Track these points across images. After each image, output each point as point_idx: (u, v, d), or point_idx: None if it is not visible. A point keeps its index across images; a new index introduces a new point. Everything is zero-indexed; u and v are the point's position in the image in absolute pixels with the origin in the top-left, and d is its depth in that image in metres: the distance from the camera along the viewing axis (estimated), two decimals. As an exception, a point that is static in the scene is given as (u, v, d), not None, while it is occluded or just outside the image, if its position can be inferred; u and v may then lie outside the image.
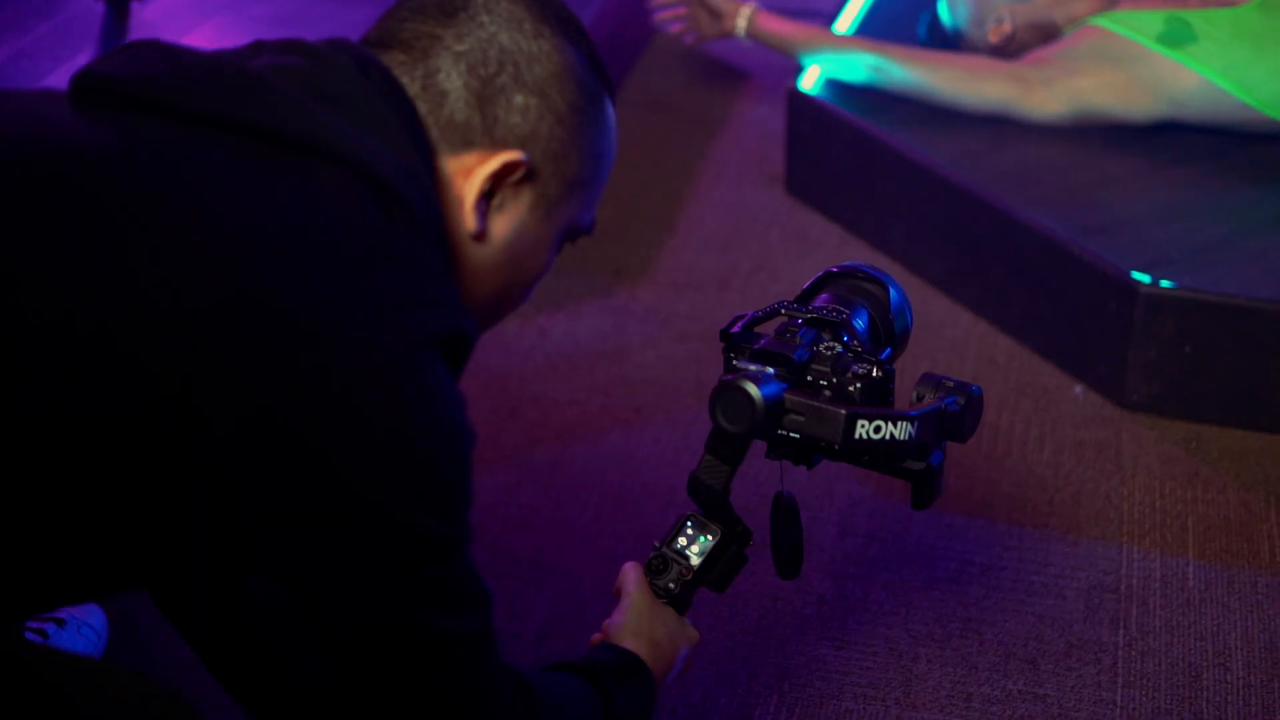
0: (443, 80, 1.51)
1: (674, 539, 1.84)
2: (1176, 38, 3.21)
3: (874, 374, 1.66)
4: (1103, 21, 3.29)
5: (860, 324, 1.75)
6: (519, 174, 1.53)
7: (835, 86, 3.57)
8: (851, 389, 1.65)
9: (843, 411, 1.62)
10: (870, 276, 1.81)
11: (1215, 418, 2.92)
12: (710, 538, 1.82)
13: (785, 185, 3.69)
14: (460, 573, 1.45)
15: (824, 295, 1.80)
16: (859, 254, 3.45)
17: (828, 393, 1.66)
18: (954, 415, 1.70)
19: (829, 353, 1.68)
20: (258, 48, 1.52)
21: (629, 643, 1.77)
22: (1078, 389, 3.03)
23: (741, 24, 3.59)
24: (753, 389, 1.62)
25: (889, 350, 1.81)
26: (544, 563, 2.59)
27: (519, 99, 1.52)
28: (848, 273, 1.82)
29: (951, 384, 1.72)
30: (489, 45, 1.52)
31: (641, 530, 2.65)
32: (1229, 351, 2.88)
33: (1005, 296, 3.18)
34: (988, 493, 2.77)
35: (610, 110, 1.62)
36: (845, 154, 3.50)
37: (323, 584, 1.39)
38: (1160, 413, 2.94)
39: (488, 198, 1.54)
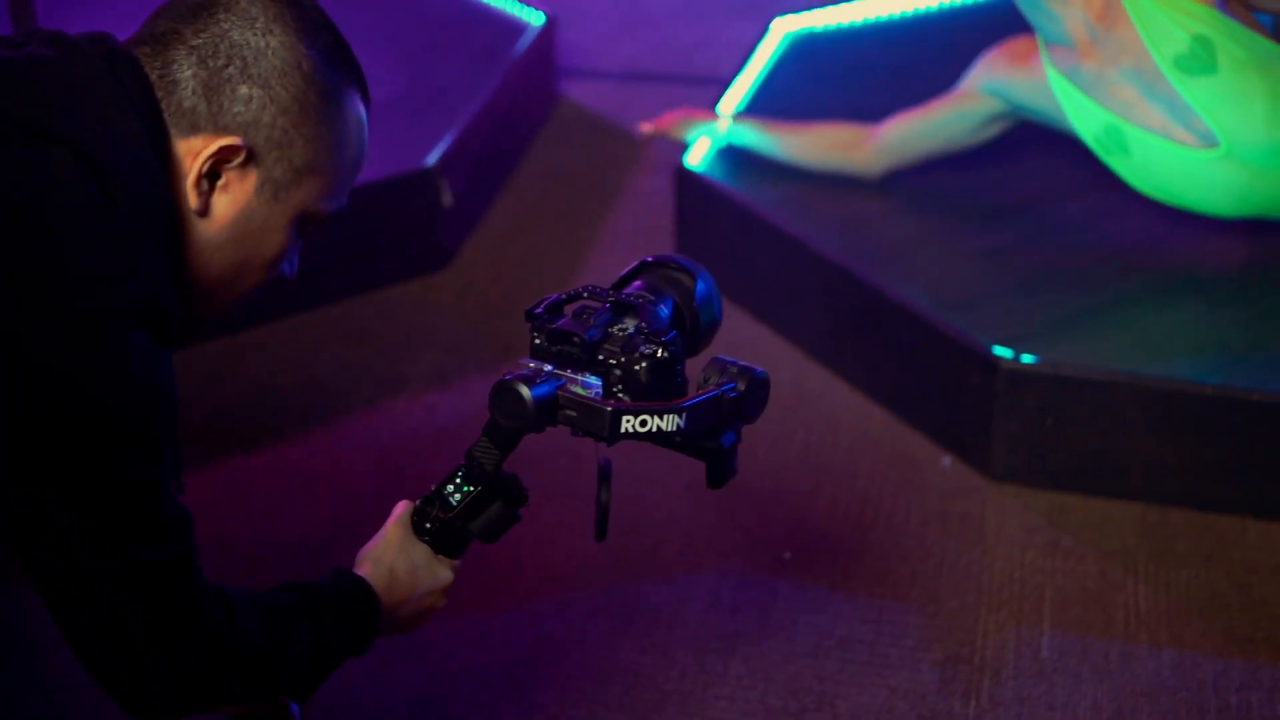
0: (176, 71, 1.67)
1: (445, 483, 1.92)
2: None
3: (659, 354, 1.73)
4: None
5: (664, 311, 1.82)
6: (239, 158, 1.69)
7: (721, 162, 3.66)
8: (638, 368, 1.73)
9: (608, 409, 1.70)
10: (681, 267, 1.88)
11: (1078, 487, 3.01)
12: (474, 488, 1.90)
13: (674, 258, 3.76)
14: (158, 509, 1.63)
15: (637, 283, 1.87)
16: (741, 324, 3.53)
17: (617, 371, 1.74)
18: (734, 401, 1.76)
19: (621, 334, 1.76)
20: (29, 36, 1.71)
21: (366, 568, 1.89)
22: (946, 460, 3.11)
23: (726, 125, 3.65)
24: (524, 390, 1.72)
25: (693, 337, 1.88)
26: (415, 637, 2.64)
27: (243, 89, 1.67)
28: (661, 262, 1.89)
29: (735, 369, 1.79)
30: (220, 40, 1.67)
31: (514, 606, 2.72)
32: (1089, 423, 2.97)
33: (878, 369, 3.26)
34: (852, 564, 2.85)
35: (351, 104, 1.76)
36: (729, 228, 3.59)
37: (35, 527, 1.59)
38: (1025, 483, 3.03)
39: (211, 179, 1.70)
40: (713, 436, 1.80)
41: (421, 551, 1.92)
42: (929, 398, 3.15)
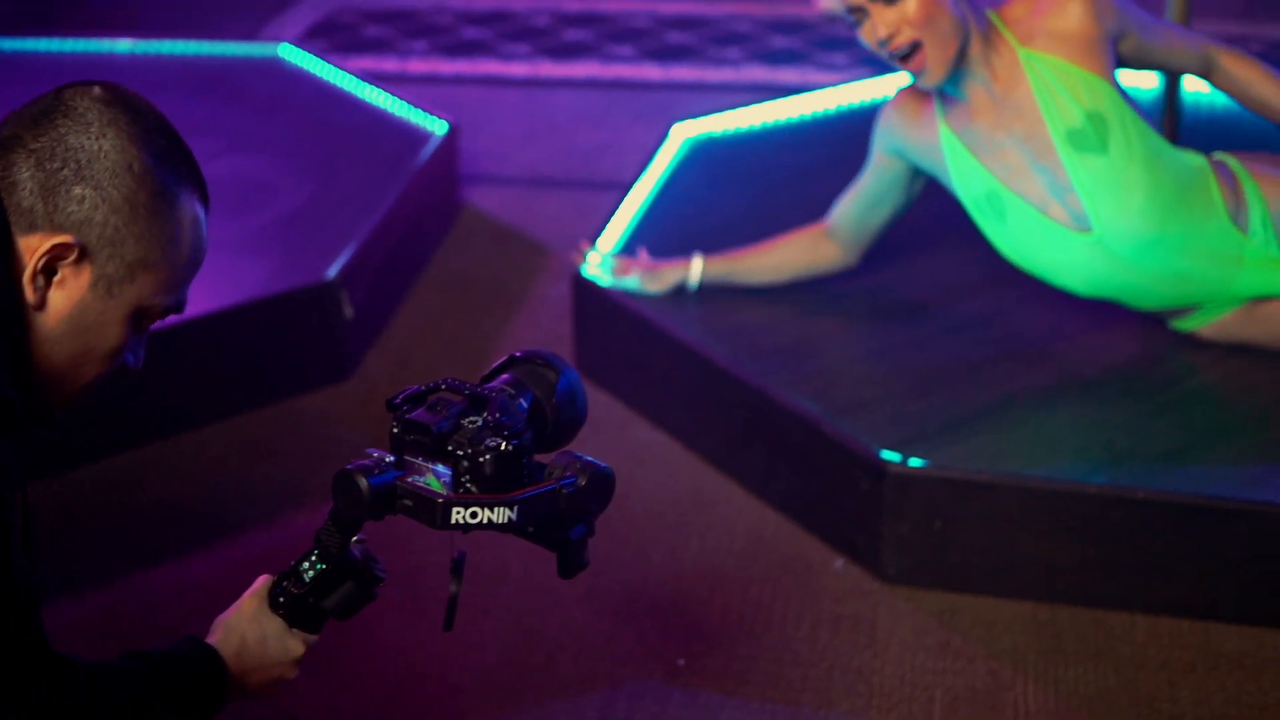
0: (16, 173, 1.77)
1: (301, 560, 1.98)
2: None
3: (503, 447, 1.79)
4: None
5: (523, 404, 1.87)
6: (73, 255, 1.78)
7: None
8: (482, 460, 1.79)
9: (439, 500, 1.77)
10: (546, 363, 1.93)
11: (968, 588, 3.05)
12: (325, 566, 1.95)
13: (575, 364, 3.80)
14: (3, 584, 1.69)
15: (504, 376, 1.93)
16: (641, 432, 3.58)
17: (465, 463, 1.80)
18: (572, 495, 1.81)
19: (471, 426, 1.82)
20: None
21: (218, 635, 1.98)
22: (839, 563, 3.15)
23: (696, 274, 3.65)
24: (362, 480, 1.81)
25: (553, 431, 1.92)
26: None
27: (77, 190, 1.77)
28: (529, 358, 1.95)
29: (580, 464, 1.84)
30: (58, 144, 1.77)
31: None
32: (978, 524, 3.02)
33: (772, 474, 3.30)
34: (746, 669, 2.88)
35: (186, 203, 1.85)
36: (626, 335, 3.63)
37: None
38: (916, 584, 3.07)
39: (47, 274, 1.78)
40: (560, 528, 1.85)
41: (274, 624, 1.99)
42: (822, 501, 3.20)
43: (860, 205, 3.55)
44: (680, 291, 3.61)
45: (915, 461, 3.02)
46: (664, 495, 3.39)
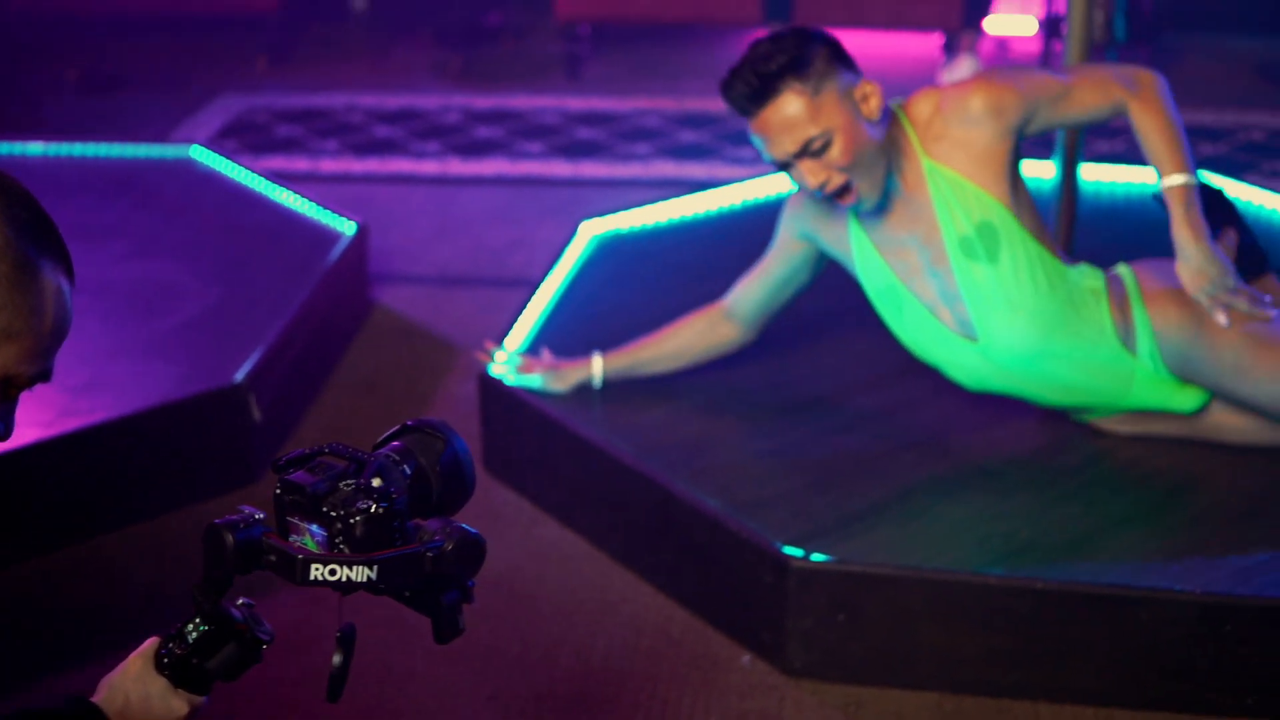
0: None
1: (187, 622, 1.99)
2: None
3: (374, 510, 1.81)
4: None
5: (407, 470, 1.88)
6: None
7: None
8: (353, 521, 1.81)
9: (299, 556, 1.79)
10: (435, 432, 1.95)
11: (873, 680, 3.08)
12: (209, 627, 1.97)
13: (482, 463, 3.82)
14: None
15: (394, 444, 1.94)
16: (548, 530, 3.59)
17: (338, 524, 1.82)
18: (436, 559, 1.83)
19: (347, 489, 1.83)
20: None
21: (102, 694, 1.99)
22: (745, 658, 3.16)
23: (598, 372, 3.68)
24: (228, 535, 1.84)
25: (441, 497, 1.93)
26: None
27: None
28: (419, 427, 1.97)
29: (450, 529, 1.86)
30: None
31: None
32: (880, 617, 3.05)
33: (678, 571, 3.32)
34: (652, 769, 2.89)
35: (49, 274, 1.86)
36: (532, 434, 3.65)
37: None
38: (821, 678, 3.09)
39: None
40: (432, 592, 1.88)
41: (159, 683, 2.00)
42: (727, 597, 3.22)
43: (765, 287, 3.58)
44: (585, 389, 3.64)
45: (817, 556, 3.04)
46: (571, 594, 3.40)
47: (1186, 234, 3.15)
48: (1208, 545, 3.09)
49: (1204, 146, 6.04)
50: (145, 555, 3.59)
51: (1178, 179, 3.16)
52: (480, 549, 1.87)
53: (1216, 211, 3.40)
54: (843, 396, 3.62)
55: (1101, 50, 7.12)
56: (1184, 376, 3.28)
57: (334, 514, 1.83)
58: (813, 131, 3.14)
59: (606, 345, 3.71)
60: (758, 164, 5.67)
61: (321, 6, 7.69)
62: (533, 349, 3.79)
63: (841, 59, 3.20)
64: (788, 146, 3.17)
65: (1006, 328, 3.26)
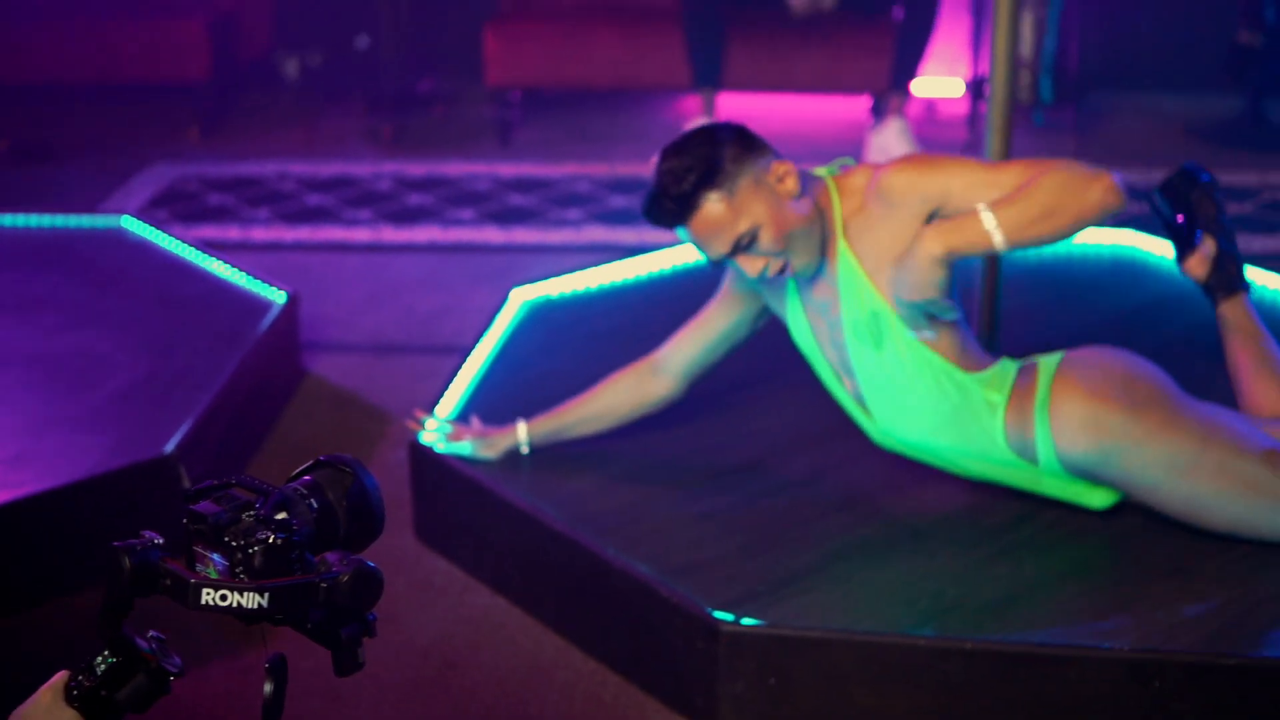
0: None
1: (98, 654, 1.98)
2: None
3: (271, 540, 1.82)
4: None
5: (313, 504, 1.89)
6: None
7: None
8: (251, 552, 1.82)
9: (191, 580, 1.80)
10: (346, 468, 1.96)
11: (803, 743, 3.09)
12: (117, 659, 1.96)
13: (414, 532, 3.83)
14: None
15: (305, 478, 1.96)
16: (480, 598, 3.59)
17: (238, 554, 1.83)
18: (330, 590, 1.83)
19: (249, 519, 1.84)
20: None
21: None
22: (678, 723, 3.17)
23: (524, 438, 3.69)
24: (125, 558, 1.84)
25: (348, 531, 1.93)
26: None
27: None
28: (330, 462, 1.98)
29: (349, 561, 1.86)
30: None
31: None
32: (812, 680, 3.06)
33: (610, 637, 3.33)
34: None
35: None
36: (463, 502, 3.66)
37: None
38: (754, 742, 3.10)
39: None
40: (332, 625, 1.89)
41: (68, 715, 1.99)
42: (659, 662, 3.22)
43: (704, 340, 3.59)
44: (516, 456, 3.65)
45: (748, 620, 3.06)
46: (503, 661, 3.40)
47: (933, 240, 3.13)
48: (1135, 603, 3.12)
49: (1130, 205, 6.09)
50: (77, 628, 3.57)
51: (989, 213, 3.11)
52: (377, 582, 1.88)
53: (1201, 212, 3.46)
54: (772, 459, 3.64)
55: (1028, 112, 7.22)
56: (1094, 482, 3.31)
57: (234, 544, 1.84)
58: (740, 229, 3.20)
59: (539, 411, 3.72)
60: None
61: (253, 75, 7.71)
62: (464, 416, 3.80)
63: (751, 147, 3.24)
64: (720, 249, 3.23)
65: (893, 414, 3.32)
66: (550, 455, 3.65)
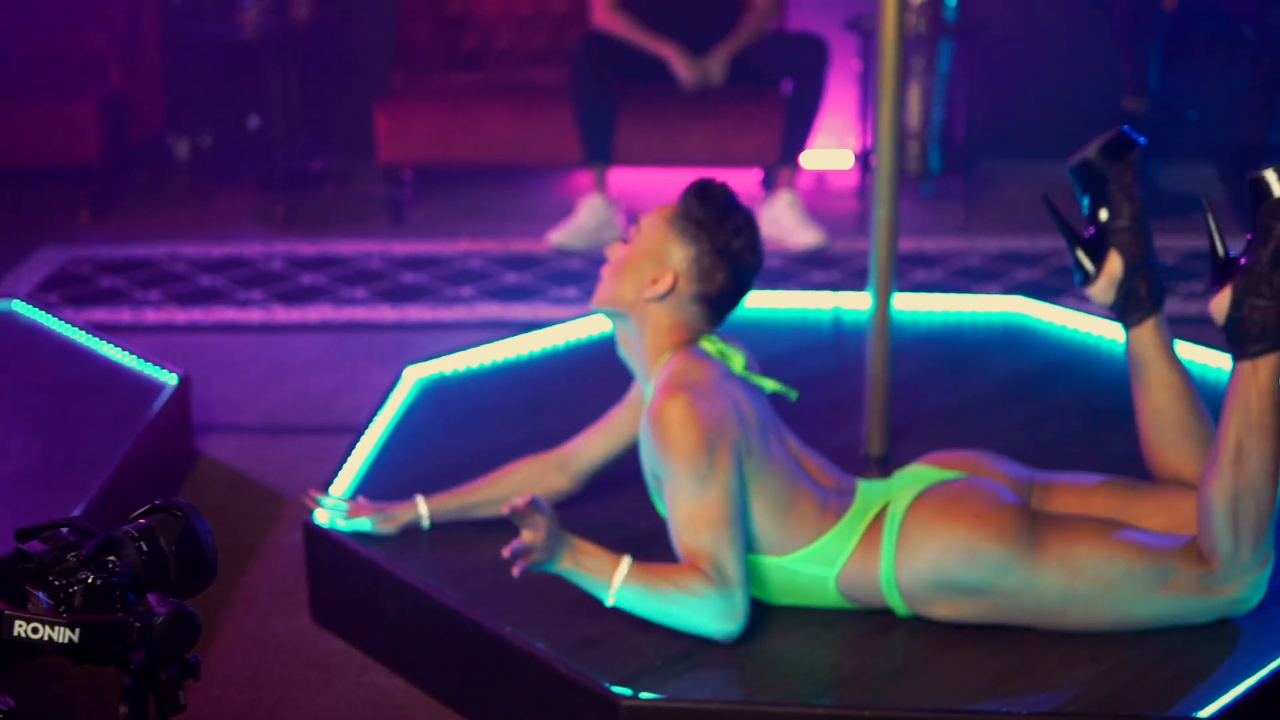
0: None
1: None
2: None
3: (91, 581, 1.83)
4: None
5: (143, 546, 1.91)
6: None
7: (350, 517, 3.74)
8: (72, 591, 1.83)
9: (4, 611, 1.82)
10: (179, 512, 1.97)
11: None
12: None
13: (311, 613, 3.81)
14: None
15: (140, 521, 1.97)
16: (378, 678, 3.57)
17: (61, 593, 1.84)
18: (144, 629, 1.84)
19: (73, 560, 1.86)
20: None
21: None
22: (578, 800, 3.16)
23: (424, 513, 3.69)
24: None
25: (180, 575, 1.95)
26: None
27: None
28: (165, 506, 1.99)
29: (168, 603, 1.87)
30: None
31: None
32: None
33: (510, 713, 3.31)
34: None
35: None
36: (359, 582, 3.64)
37: None
38: (654, 815, 3.09)
39: None
40: (153, 666, 1.89)
41: None
42: (558, 739, 3.22)
43: (609, 444, 3.65)
44: (414, 533, 3.64)
45: (646, 694, 3.06)
46: (403, 741, 3.39)
47: (568, 557, 3.18)
48: (1031, 667, 3.15)
49: (1019, 271, 6.20)
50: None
51: (622, 575, 3.18)
52: (194, 626, 1.90)
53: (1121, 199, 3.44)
54: (666, 535, 3.63)
55: (917, 182, 7.31)
56: None
57: (57, 583, 1.86)
58: (633, 232, 3.36)
59: (434, 487, 3.73)
60: (581, 304, 5.73)
61: (144, 156, 7.68)
62: (359, 494, 3.79)
63: (697, 238, 3.33)
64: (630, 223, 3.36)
65: None
66: (447, 533, 3.65)
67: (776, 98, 6.82)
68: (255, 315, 5.87)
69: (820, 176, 7.61)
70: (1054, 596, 3.19)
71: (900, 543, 3.23)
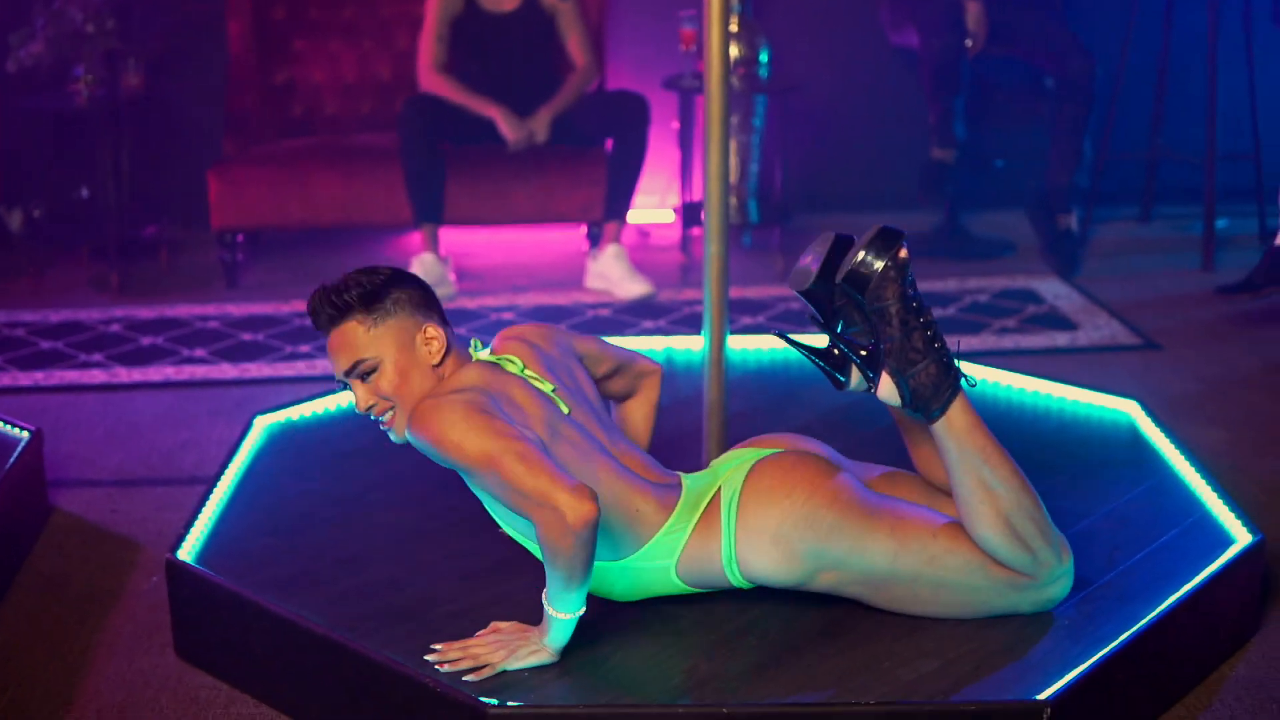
0: None
1: None
2: None
3: None
4: None
5: None
6: None
7: (210, 552, 3.85)
8: None
9: None
10: None
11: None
12: None
13: (175, 650, 3.89)
14: None
15: None
16: (246, 708, 3.66)
17: None
18: None
19: None
20: None
21: None
22: (450, 808, 3.28)
23: None
24: None
25: None
26: None
27: None
28: None
29: None
30: None
31: None
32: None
33: (380, 731, 3.43)
34: None
35: None
36: (224, 616, 3.73)
37: None
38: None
39: None
40: None
41: None
42: (429, 752, 3.33)
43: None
44: (273, 566, 3.74)
45: (513, 702, 3.19)
46: (275, 764, 3.47)
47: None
48: (878, 662, 3.33)
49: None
50: None
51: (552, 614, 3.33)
52: None
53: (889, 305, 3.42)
54: (526, 556, 3.76)
55: (737, 233, 7.54)
56: None
57: None
58: (360, 356, 3.42)
59: (288, 530, 3.92)
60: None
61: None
62: (215, 537, 3.89)
63: (420, 303, 3.47)
64: (341, 366, 3.44)
65: None
66: (307, 560, 3.76)
67: (600, 155, 7.03)
68: (98, 376, 5.93)
69: (644, 230, 7.82)
70: (881, 566, 3.40)
71: (740, 520, 3.42)
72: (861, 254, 3.32)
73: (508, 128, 6.85)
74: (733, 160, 7.42)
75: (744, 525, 3.43)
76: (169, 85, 7.81)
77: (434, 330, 3.46)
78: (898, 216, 7.60)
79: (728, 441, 4.20)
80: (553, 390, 3.50)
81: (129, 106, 7.31)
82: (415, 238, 7.43)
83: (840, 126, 8.15)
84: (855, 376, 3.47)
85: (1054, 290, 6.85)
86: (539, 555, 3.37)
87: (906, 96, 7.83)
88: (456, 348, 3.52)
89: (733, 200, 7.43)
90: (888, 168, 8.01)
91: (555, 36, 7.12)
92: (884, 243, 3.32)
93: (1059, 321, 6.44)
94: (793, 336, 3.57)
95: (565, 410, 3.48)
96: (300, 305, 6.72)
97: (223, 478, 4.25)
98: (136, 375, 5.93)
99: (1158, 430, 4.47)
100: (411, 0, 7.58)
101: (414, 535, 3.94)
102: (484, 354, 3.55)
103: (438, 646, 3.36)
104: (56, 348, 6.26)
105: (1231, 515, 3.95)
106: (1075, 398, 4.78)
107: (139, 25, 7.40)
